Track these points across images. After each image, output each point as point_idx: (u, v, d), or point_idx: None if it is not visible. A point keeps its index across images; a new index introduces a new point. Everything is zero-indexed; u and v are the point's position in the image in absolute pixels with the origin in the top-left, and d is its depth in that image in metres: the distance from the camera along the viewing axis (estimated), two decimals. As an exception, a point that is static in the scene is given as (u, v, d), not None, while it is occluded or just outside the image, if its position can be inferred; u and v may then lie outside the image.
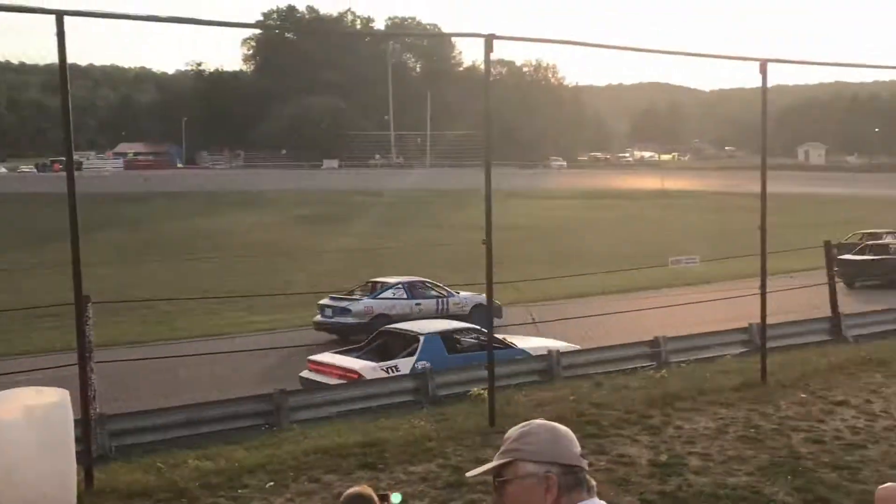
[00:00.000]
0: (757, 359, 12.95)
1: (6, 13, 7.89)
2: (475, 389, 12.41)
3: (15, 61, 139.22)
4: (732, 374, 12.80)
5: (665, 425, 10.46)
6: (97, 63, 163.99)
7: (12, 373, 12.56)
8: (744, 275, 20.48)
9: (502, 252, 11.12)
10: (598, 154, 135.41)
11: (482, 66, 11.55)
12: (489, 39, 10.32)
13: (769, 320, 13.98)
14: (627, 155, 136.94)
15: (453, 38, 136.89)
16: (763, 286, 12.60)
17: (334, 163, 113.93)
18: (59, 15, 8.02)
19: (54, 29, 7.96)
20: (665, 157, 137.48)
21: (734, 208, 43.64)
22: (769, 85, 12.48)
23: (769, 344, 14.59)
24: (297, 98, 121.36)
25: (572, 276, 19.67)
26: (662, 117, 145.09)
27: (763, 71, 12.13)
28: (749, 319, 15.82)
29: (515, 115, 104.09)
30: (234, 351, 16.68)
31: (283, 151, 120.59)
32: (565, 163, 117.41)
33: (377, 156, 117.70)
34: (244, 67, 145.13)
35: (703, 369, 13.61)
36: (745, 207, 12.65)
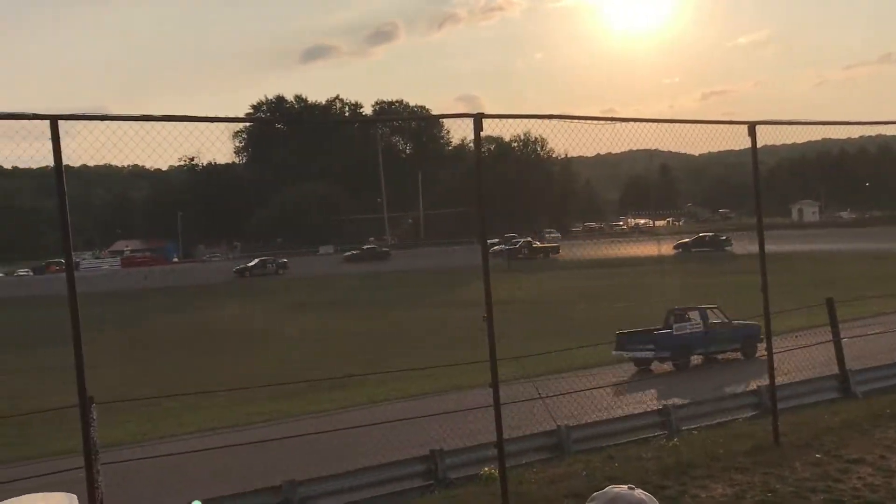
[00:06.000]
0: (767, 421, 12.80)
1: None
2: (486, 469, 12.26)
3: (8, 166, 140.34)
4: (744, 438, 12.64)
5: (681, 495, 10.27)
6: (90, 163, 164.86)
7: (17, 480, 12.34)
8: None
9: (502, 327, 11.05)
10: (593, 224, 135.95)
11: (472, 145, 11.64)
12: (478, 119, 10.42)
13: (779, 380, 13.83)
14: (621, 223, 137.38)
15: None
16: (769, 347, 12.55)
17: (330, 248, 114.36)
18: (54, 120, 7.88)
19: (48, 133, 7.94)
20: (659, 222, 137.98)
21: (735, 272, 43.59)
22: (758, 146, 12.68)
23: (779, 405, 14.49)
24: (290, 186, 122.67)
25: (574, 347, 19.58)
26: (653, 183, 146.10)
27: (752, 133, 12.33)
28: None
29: (507, 190, 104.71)
30: (239, 444, 16.31)
31: (279, 240, 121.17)
32: (559, 234, 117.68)
33: (371, 239, 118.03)
34: (236, 160, 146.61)
35: (714, 435, 13.44)
36: (748, 270, 12.66)
